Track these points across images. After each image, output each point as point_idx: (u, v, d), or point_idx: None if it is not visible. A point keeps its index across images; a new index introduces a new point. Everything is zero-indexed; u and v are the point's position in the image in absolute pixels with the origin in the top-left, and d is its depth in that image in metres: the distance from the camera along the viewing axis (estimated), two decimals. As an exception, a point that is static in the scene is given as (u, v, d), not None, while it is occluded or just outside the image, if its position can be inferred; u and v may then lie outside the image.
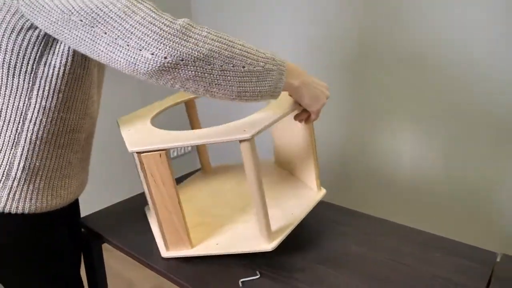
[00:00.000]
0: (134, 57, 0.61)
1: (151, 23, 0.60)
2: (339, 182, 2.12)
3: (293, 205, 0.92)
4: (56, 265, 0.87)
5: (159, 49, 0.60)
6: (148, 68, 0.61)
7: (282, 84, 0.72)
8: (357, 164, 2.04)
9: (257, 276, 0.79)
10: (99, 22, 0.61)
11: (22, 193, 0.78)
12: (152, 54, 0.60)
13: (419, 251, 0.85)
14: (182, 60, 0.61)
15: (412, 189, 1.88)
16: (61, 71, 0.74)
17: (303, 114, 0.86)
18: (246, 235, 0.85)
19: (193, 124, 1.11)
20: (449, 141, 1.73)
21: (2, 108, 0.74)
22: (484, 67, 1.55)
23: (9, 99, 0.74)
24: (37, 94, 0.74)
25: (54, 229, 0.86)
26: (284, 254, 0.85)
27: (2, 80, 0.72)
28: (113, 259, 2.12)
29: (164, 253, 0.85)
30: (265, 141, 2.44)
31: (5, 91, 0.73)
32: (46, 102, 0.75)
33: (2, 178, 0.76)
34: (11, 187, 0.77)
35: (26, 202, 0.78)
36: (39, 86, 0.73)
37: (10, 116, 0.74)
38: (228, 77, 0.65)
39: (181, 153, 2.74)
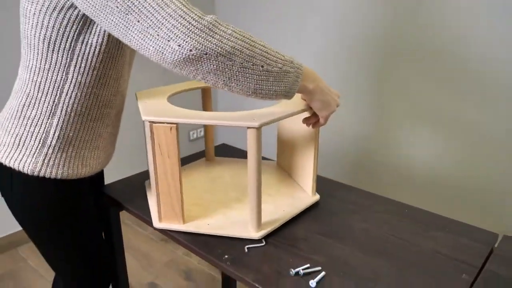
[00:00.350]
0: (162, 47, 0.65)
1: (181, 16, 0.64)
2: (362, 172, 2.14)
3: (286, 204, 0.96)
4: (82, 228, 0.93)
5: (186, 42, 0.64)
6: (174, 58, 0.66)
7: (297, 86, 0.77)
8: (379, 157, 2.07)
9: (262, 244, 0.84)
10: (133, 11, 0.65)
11: (56, 160, 0.84)
12: (179, 45, 0.64)
13: (421, 229, 0.90)
14: (206, 54, 0.66)
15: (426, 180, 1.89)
16: (97, 50, 0.78)
17: (312, 118, 0.90)
18: (237, 221, 0.89)
19: (206, 110, 1.16)
20: (465, 140, 1.75)
21: (41, 81, 0.79)
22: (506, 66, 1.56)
23: (47, 73, 0.78)
24: (74, 70, 0.78)
25: (82, 196, 0.92)
26: (290, 225, 0.91)
27: (42, 55, 0.77)
28: (133, 235, 2.21)
29: (157, 223, 0.89)
30: (272, 143, 2.48)
31: (45, 65, 0.78)
32: (81, 78, 0.80)
33: (38, 145, 0.82)
34: (46, 154, 0.83)
35: (59, 169, 0.84)
36: (76, 63, 0.78)
37: (49, 89, 0.79)
38: (247, 74, 0.70)
39: (200, 136, 2.89)
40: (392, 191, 2.02)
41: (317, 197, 1.00)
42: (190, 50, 0.65)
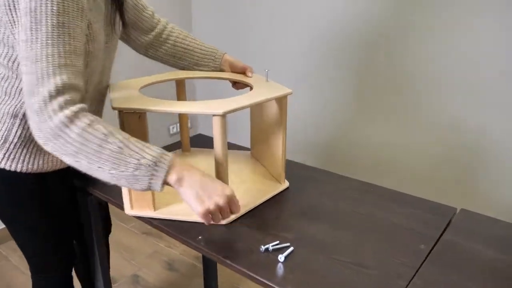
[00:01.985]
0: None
1: (36, 113, 0.69)
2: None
3: (255, 190, 1.00)
4: (52, 220, 0.98)
5: (38, 137, 0.71)
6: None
7: (157, 186, 0.73)
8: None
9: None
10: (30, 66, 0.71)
11: (17, 155, 0.89)
12: (36, 133, 0.71)
13: (384, 205, 0.96)
14: (55, 151, 0.71)
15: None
16: None
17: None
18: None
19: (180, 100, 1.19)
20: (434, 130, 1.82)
21: (7, 86, 0.85)
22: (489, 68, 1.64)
23: (12, 80, 0.85)
24: None
25: (49, 188, 0.97)
26: (263, 207, 0.95)
27: (5, 66, 0.84)
28: (115, 229, 2.18)
29: (128, 210, 0.92)
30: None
31: (9, 73, 0.84)
32: None
33: (1, 140, 0.87)
34: (7, 149, 0.88)
35: (19, 163, 0.90)
36: None
37: (14, 94, 0.86)
38: (98, 173, 0.72)
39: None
40: (364, 175, 2.09)
41: (286, 184, 1.04)
42: (43, 144, 0.71)
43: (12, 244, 2.05)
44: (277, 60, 2.28)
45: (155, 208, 0.91)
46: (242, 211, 0.91)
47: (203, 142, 1.36)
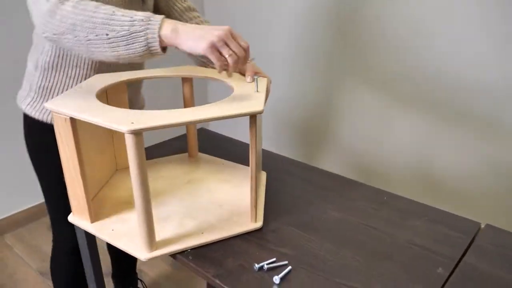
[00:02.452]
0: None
1: (33, 3, 0.76)
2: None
3: (218, 224, 0.82)
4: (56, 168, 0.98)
5: (39, 27, 0.76)
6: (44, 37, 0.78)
7: (155, 41, 0.72)
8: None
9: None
10: None
11: (39, 104, 0.99)
12: (38, 27, 0.77)
13: (399, 217, 0.85)
14: (55, 35, 0.75)
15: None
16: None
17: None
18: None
19: (186, 98, 1.07)
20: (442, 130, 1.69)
21: (33, 49, 0.98)
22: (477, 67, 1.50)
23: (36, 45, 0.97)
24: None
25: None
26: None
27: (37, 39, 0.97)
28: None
29: (71, 216, 0.85)
30: (267, 129, 2.41)
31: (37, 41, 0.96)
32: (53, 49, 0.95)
33: (28, 89, 1.00)
34: (32, 97, 0.99)
35: (41, 112, 0.99)
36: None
37: (35, 52, 0.97)
38: (97, 45, 0.73)
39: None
40: (378, 182, 1.98)
41: (258, 224, 0.82)
42: (43, 33, 0.76)
43: (17, 234, 2.04)
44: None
45: (92, 219, 0.82)
46: (172, 249, 0.75)
47: (208, 141, 1.26)
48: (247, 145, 1.19)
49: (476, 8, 1.49)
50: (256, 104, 0.75)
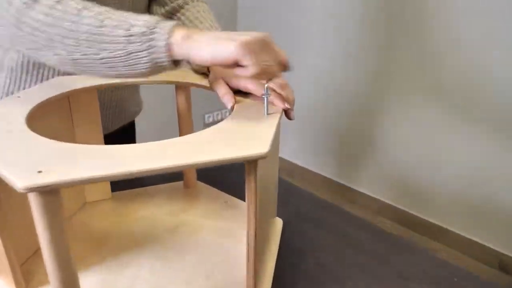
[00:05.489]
0: None
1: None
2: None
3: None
4: None
5: (7, 40, 0.63)
6: None
7: (163, 57, 0.53)
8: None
9: None
10: None
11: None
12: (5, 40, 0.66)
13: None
14: (30, 49, 0.56)
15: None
16: None
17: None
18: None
19: (180, 110, 0.81)
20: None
21: None
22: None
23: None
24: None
25: None
26: None
27: None
28: None
29: None
30: (289, 139, 2.14)
31: None
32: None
33: None
34: None
35: None
36: None
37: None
38: (87, 65, 0.54)
39: (217, 119, 2.58)
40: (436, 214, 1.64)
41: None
42: (15, 46, 0.65)
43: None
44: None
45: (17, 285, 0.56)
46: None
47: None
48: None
49: None
50: (259, 142, 0.47)
